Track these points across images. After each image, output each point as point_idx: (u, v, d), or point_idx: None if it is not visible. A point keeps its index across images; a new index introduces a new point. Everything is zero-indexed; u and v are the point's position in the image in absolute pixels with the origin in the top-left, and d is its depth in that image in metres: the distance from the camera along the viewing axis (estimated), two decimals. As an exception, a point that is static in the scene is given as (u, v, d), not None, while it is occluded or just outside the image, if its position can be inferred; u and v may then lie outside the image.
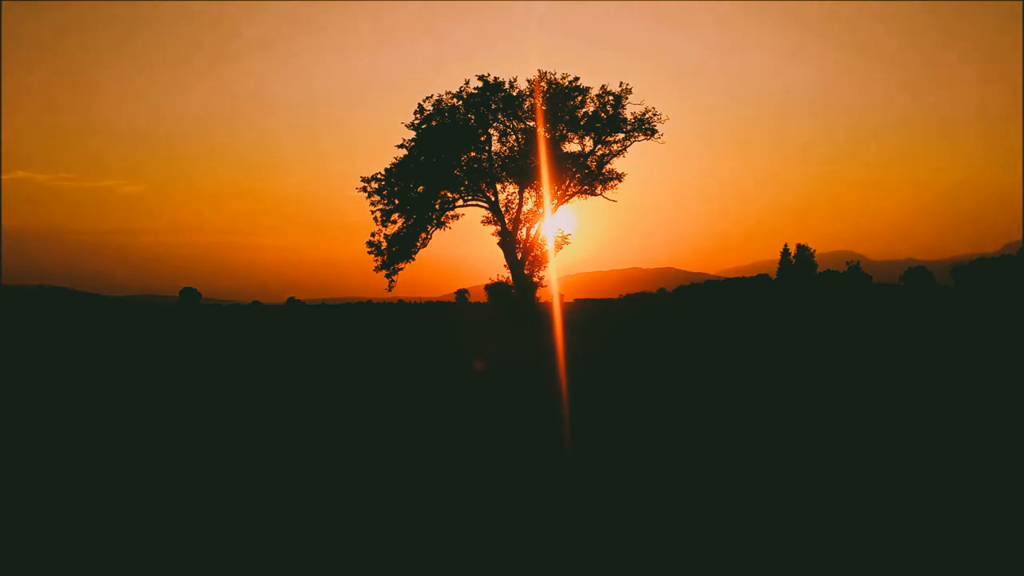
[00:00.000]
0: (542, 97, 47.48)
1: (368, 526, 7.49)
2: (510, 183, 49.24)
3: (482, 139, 48.24)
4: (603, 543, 6.95)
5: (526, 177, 48.56)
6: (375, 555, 6.77)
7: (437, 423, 12.89)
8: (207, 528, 7.55)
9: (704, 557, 6.60)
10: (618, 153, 49.00)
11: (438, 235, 49.27)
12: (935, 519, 7.42)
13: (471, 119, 47.60)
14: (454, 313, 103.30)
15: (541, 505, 8.04)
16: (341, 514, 7.85)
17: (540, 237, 49.70)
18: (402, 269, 49.21)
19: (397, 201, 48.04)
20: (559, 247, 50.06)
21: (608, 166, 49.33)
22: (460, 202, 49.37)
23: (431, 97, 47.76)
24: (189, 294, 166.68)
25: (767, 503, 7.97)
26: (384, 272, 49.03)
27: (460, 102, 47.51)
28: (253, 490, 8.85)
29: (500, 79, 47.30)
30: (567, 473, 9.39)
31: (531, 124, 48.28)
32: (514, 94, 47.34)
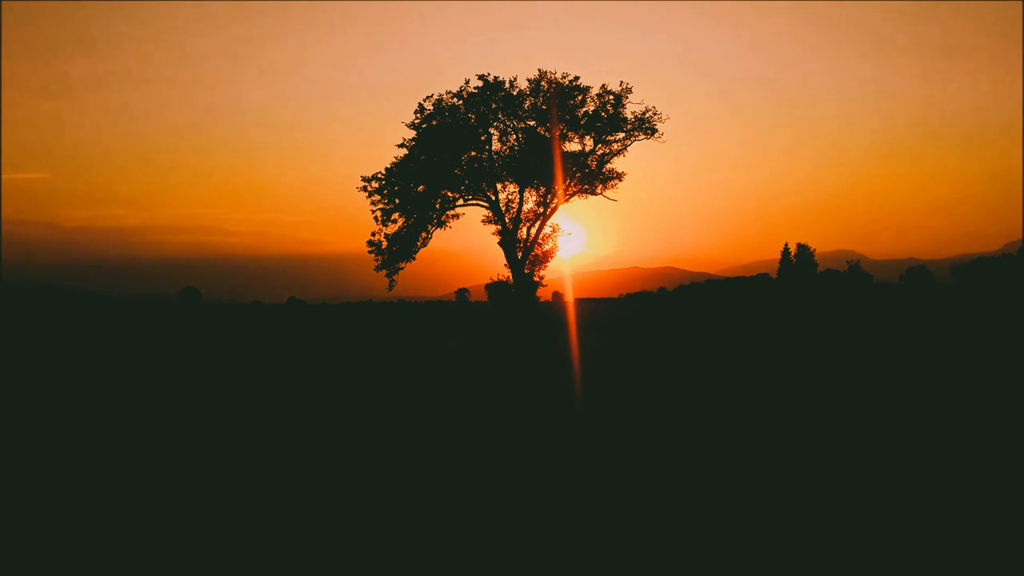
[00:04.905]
0: (543, 96, 47.49)
1: (366, 523, 7.53)
2: (510, 182, 49.24)
3: (482, 138, 48.23)
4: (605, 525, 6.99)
5: (526, 176, 48.56)
6: (378, 543, 6.81)
7: (439, 420, 12.92)
8: (213, 516, 7.59)
9: (703, 552, 6.63)
10: (618, 152, 49.00)
11: (438, 234, 49.28)
12: (935, 517, 7.45)
13: (471, 118, 47.57)
14: (454, 312, 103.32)
15: (552, 502, 8.07)
16: (344, 505, 7.89)
17: (540, 236, 49.73)
18: (402, 268, 49.22)
19: (398, 200, 48.02)
20: (558, 248, 50.18)
21: (608, 165, 49.33)
22: (460, 201, 49.37)
23: (431, 96, 47.78)
24: (190, 294, 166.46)
25: (763, 494, 8.00)
26: (384, 272, 49.05)
27: (460, 101, 47.49)
28: (259, 482, 8.89)
29: (500, 78, 47.33)
30: (575, 464, 9.43)
31: (531, 124, 48.28)
32: (514, 93, 47.34)
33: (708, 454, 10.19)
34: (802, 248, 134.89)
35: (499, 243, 49.64)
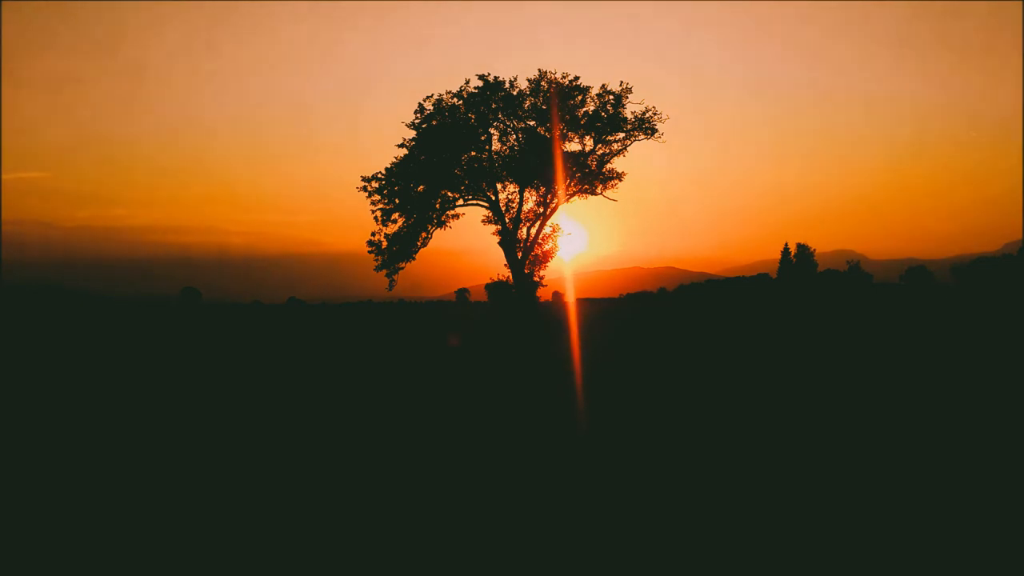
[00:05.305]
0: (543, 96, 47.54)
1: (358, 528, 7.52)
2: (510, 182, 49.30)
3: (482, 138, 48.28)
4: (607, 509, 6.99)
5: (526, 176, 48.62)
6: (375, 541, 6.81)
7: (436, 423, 12.92)
8: (213, 516, 7.58)
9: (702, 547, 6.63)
10: (618, 152, 49.06)
11: (438, 234, 49.33)
12: (935, 518, 7.45)
13: (471, 118, 47.62)
14: (454, 312, 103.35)
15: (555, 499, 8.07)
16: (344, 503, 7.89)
17: (540, 236, 49.78)
18: (402, 268, 49.27)
19: (398, 200, 48.06)
20: (558, 248, 50.29)
21: (608, 165, 49.39)
22: (460, 201, 49.43)
23: (431, 96, 47.82)
24: (190, 294, 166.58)
25: (760, 494, 8.00)
26: (384, 272, 49.10)
27: (460, 101, 47.55)
28: (256, 483, 8.89)
29: (500, 78, 47.39)
30: (574, 471, 9.43)
31: (531, 124, 48.34)
32: (514, 93, 47.39)
33: (711, 460, 10.19)
34: (802, 248, 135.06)
35: (499, 243, 49.68)
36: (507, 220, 49.20)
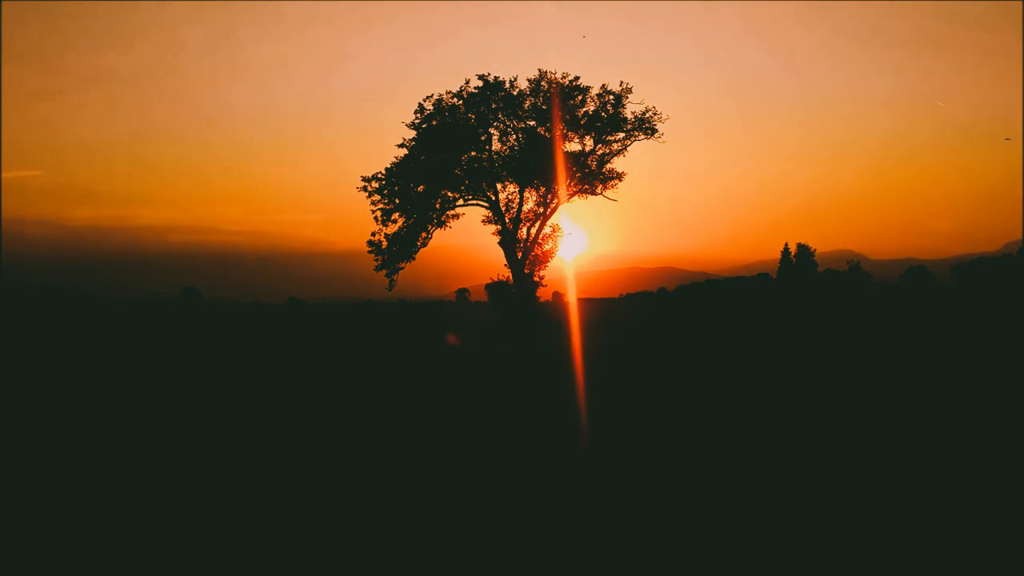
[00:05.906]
0: (543, 96, 47.54)
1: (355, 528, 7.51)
2: (510, 182, 49.29)
3: (482, 138, 48.26)
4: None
5: (526, 176, 48.61)
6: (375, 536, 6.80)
7: (434, 424, 12.92)
8: (213, 515, 7.57)
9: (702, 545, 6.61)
10: (618, 152, 49.05)
11: (438, 234, 49.31)
12: (935, 518, 7.43)
13: (471, 118, 47.61)
14: (454, 312, 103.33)
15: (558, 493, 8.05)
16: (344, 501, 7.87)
17: (540, 236, 49.77)
18: (402, 268, 49.24)
19: (398, 200, 48.04)
20: (557, 248, 50.27)
21: (608, 165, 49.38)
22: (461, 201, 49.40)
23: (431, 96, 47.81)
24: (190, 294, 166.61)
25: (755, 492, 7.99)
26: (384, 272, 49.07)
27: (460, 101, 47.53)
28: (259, 486, 8.88)
29: (500, 78, 47.38)
30: (574, 473, 9.42)
31: (531, 124, 48.34)
32: (514, 93, 47.38)
33: (713, 464, 10.19)
34: (802, 248, 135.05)
35: (499, 243, 49.67)
36: (507, 220, 49.19)
